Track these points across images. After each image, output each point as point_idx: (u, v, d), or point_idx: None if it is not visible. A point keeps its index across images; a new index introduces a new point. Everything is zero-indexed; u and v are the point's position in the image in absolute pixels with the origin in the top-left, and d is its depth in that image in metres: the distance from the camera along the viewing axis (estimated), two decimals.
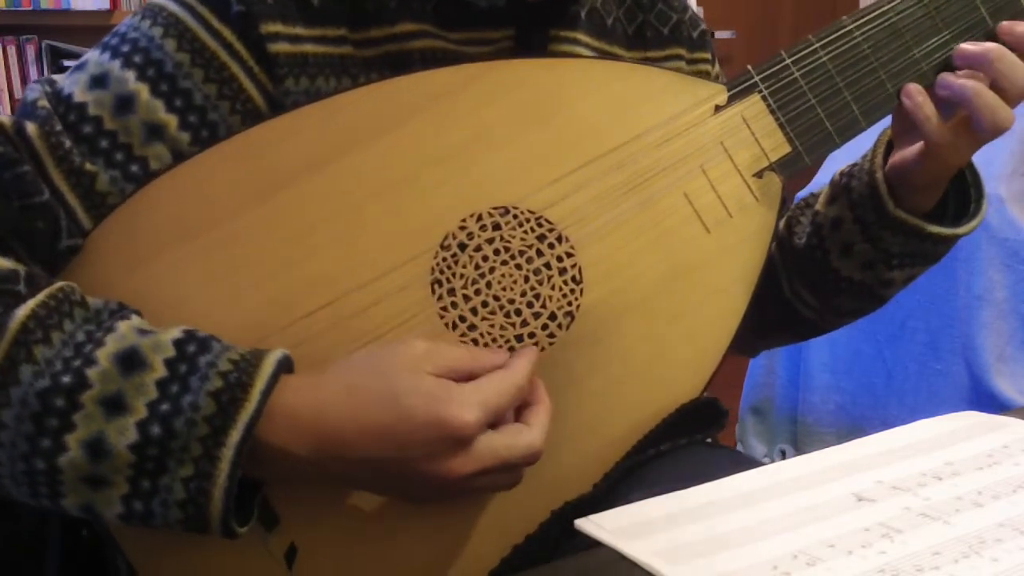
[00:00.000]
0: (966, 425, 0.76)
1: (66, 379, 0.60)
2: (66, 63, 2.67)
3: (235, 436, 0.60)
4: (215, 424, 0.60)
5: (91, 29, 2.70)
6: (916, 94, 0.80)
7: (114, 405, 0.60)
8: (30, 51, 2.68)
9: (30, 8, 2.64)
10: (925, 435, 0.75)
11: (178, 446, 0.60)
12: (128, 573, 0.68)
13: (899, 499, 0.63)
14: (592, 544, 0.61)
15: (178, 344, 0.62)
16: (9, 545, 0.76)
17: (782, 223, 0.96)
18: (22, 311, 0.61)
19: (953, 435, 0.74)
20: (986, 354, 1.78)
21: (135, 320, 0.64)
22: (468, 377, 0.65)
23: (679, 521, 0.62)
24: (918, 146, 0.82)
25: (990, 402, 1.74)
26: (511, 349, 0.71)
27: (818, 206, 0.92)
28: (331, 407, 0.62)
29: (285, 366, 0.63)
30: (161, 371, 0.61)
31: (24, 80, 2.70)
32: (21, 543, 0.76)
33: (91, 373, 0.60)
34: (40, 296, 0.62)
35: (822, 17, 3.77)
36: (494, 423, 0.64)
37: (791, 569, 0.55)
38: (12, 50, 2.68)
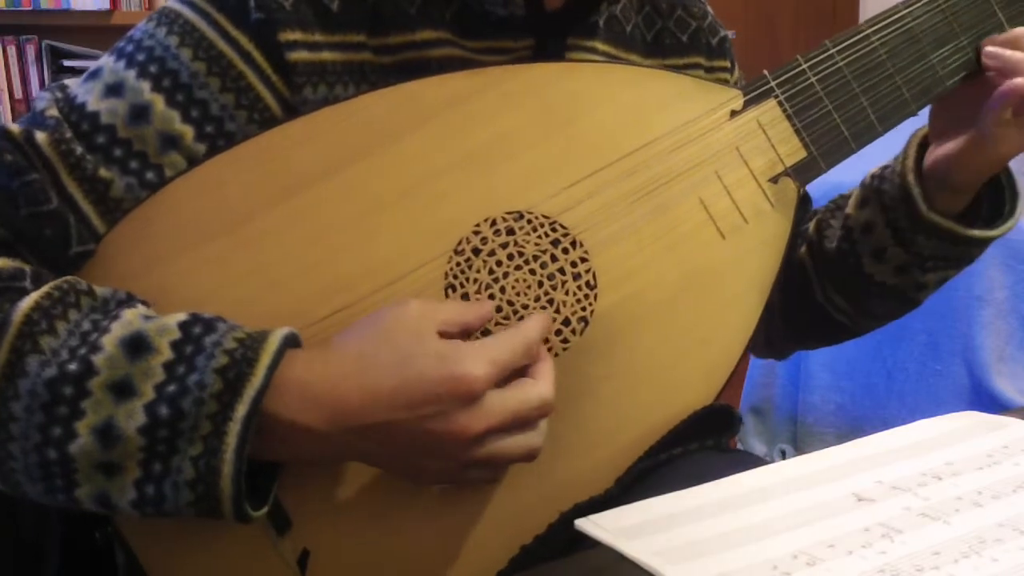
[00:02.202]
0: (966, 425, 0.76)
1: (73, 367, 0.60)
2: (66, 63, 2.67)
3: (242, 410, 0.60)
4: (223, 400, 0.60)
5: (91, 29, 2.70)
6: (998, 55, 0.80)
7: (122, 390, 0.60)
8: (30, 51, 2.68)
9: (30, 8, 2.63)
10: (925, 435, 0.75)
11: (187, 426, 0.60)
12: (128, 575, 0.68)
13: (899, 499, 0.63)
14: (592, 544, 0.61)
15: (183, 326, 0.62)
16: (9, 548, 0.76)
17: (812, 225, 0.96)
18: (25, 303, 0.61)
19: (953, 435, 0.74)
20: (986, 354, 1.78)
21: (141, 308, 0.64)
22: (463, 329, 0.66)
23: (679, 521, 0.62)
24: (965, 139, 0.81)
25: (990, 402, 1.74)
26: None
27: (849, 209, 0.91)
28: (341, 377, 0.62)
29: (291, 341, 0.63)
30: (167, 354, 0.61)
31: (24, 80, 2.70)
32: (21, 547, 0.76)
33: (97, 359, 0.60)
34: (44, 288, 0.62)
35: (822, 17, 3.77)
36: (503, 382, 0.64)
37: (791, 569, 0.55)
38: (12, 50, 2.68)
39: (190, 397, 0.60)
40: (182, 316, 0.63)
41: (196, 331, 0.62)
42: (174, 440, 0.60)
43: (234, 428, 0.60)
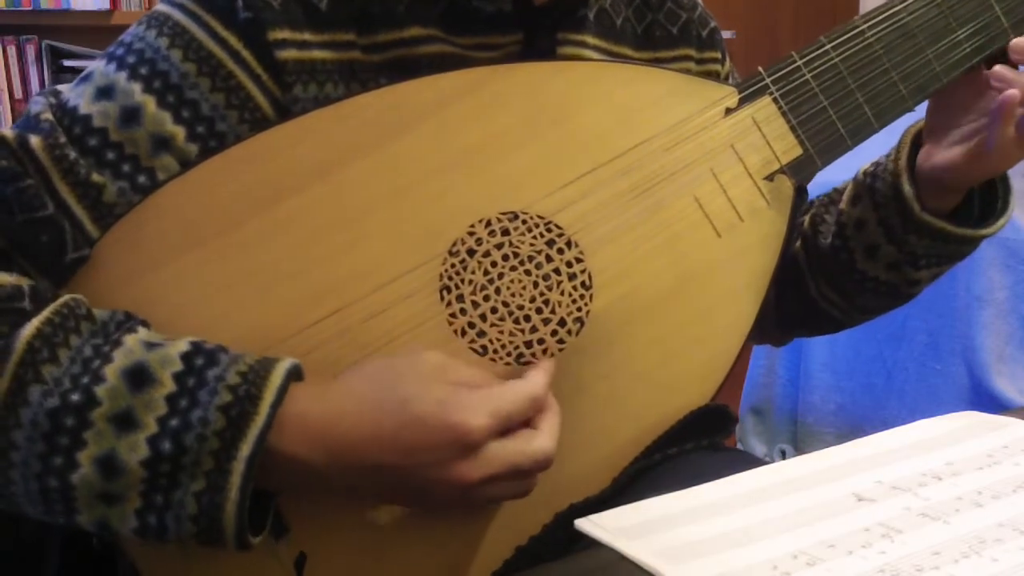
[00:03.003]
0: (966, 425, 0.76)
1: (75, 397, 0.60)
2: (66, 63, 2.67)
3: (246, 449, 0.60)
4: (225, 438, 0.60)
5: (91, 29, 2.70)
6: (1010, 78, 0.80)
7: (124, 422, 0.60)
8: (30, 51, 2.68)
9: (30, 8, 2.63)
10: (925, 435, 0.75)
11: (189, 461, 0.60)
12: None
13: (899, 499, 0.63)
14: (592, 544, 0.61)
15: (186, 358, 0.62)
16: (10, 549, 0.76)
17: (806, 220, 0.96)
18: (27, 330, 0.61)
19: (953, 435, 0.74)
20: (986, 354, 1.77)
21: (142, 332, 0.64)
22: None
23: (679, 521, 0.62)
24: (964, 149, 0.82)
25: (990, 402, 1.73)
26: (520, 356, 0.71)
27: (842, 204, 0.91)
28: (341, 416, 0.62)
29: (295, 375, 0.63)
30: (170, 386, 0.61)
31: (24, 80, 2.70)
32: (22, 547, 0.76)
33: (100, 390, 0.60)
34: (45, 313, 0.62)
35: (822, 17, 3.77)
36: (506, 432, 0.63)
37: (791, 569, 0.55)
38: (12, 50, 2.67)
39: (193, 433, 0.60)
40: (184, 346, 0.63)
41: (198, 363, 0.62)
42: (176, 474, 0.60)
43: (238, 468, 0.60)
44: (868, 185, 0.88)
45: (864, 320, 0.97)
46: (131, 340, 0.62)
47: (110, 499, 0.60)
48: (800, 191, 0.99)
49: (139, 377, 0.61)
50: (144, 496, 0.60)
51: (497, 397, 0.63)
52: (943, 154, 0.83)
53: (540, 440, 0.64)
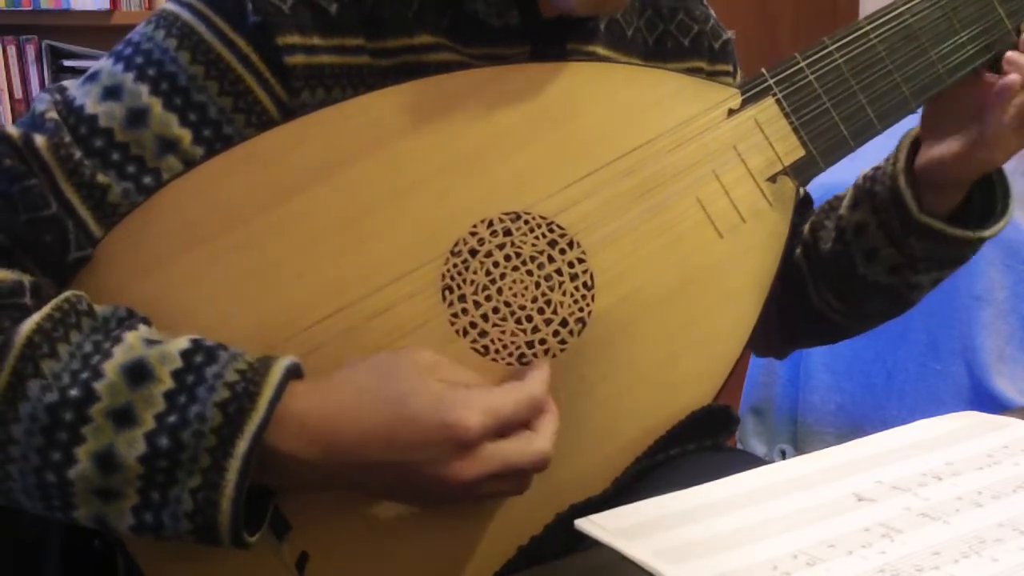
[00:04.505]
0: (966, 425, 0.76)
1: (74, 392, 0.60)
2: (66, 63, 2.67)
3: (242, 446, 0.60)
4: (223, 435, 0.60)
5: (91, 29, 2.70)
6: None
7: (123, 417, 0.60)
8: (30, 51, 2.68)
9: (30, 8, 2.63)
10: (925, 435, 0.75)
11: (187, 457, 0.60)
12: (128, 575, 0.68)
13: (899, 499, 0.63)
14: (592, 544, 0.61)
15: (185, 355, 0.62)
16: (9, 549, 0.76)
17: (807, 227, 0.96)
18: (27, 325, 0.61)
19: (953, 435, 0.74)
20: (986, 354, 1.77)
21: (143, 330, 0.64)
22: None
23: (679, 521, 0.62)
24: (961, 141, 0.82)
25: (990, 402, 1.73)
26: (522, 356, 0.71)
27: (841, 210, 0.92)
28: (338, 413, 0.63)
29: (294, 373, 0.63)
30: (168, 383, 0.61)
31: (24, 80, 2.69)
32: (21, 547, 0.76)
33: (99, 386, 0.60)
34: (45, 309, 0.62)
35: (822, 17, 3.77)
36: (505, 433, 0.63)
37: (791, 569, 0.55)
38: (12, 50, 2.67)
39: (190, 429, 0.60)
40: (184, 343, 0.63)
41: (198, 360, 0.62)
42: (173, 471, 0.60)
43: (234, 464, 0.60)
44: (867, 189, 0.89)
45: (865, 329, 0.97)
46: (131, 337, 0.62)
47: (107, 495, 0.60)
48: (805, 201, 0.99)
49: (138, 373, 0.61)
50: (141, 493, 0.60)
51: (494, 396, 0.63)
52: (940, 147, 0.84)
53: (538, 441, 0.64)
